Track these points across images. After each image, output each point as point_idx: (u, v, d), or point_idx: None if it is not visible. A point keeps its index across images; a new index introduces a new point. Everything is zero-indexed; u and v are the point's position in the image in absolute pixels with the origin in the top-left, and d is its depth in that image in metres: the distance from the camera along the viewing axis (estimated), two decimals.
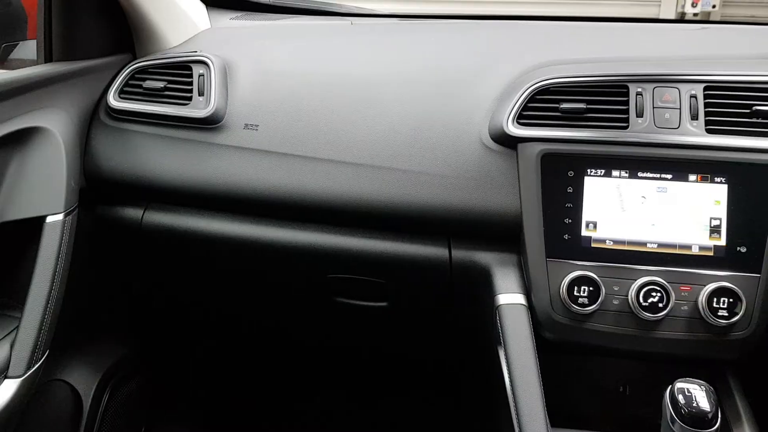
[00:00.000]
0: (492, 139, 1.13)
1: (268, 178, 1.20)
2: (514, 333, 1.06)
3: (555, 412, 1.01)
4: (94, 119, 1.32)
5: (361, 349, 1.65)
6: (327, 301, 1.33)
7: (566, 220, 1.07)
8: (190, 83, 1.28)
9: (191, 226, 1.28)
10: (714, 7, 5.61)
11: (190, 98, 1.27)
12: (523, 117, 1.11)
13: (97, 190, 1.31)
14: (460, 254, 1.16)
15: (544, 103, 1.12)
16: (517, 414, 0.99)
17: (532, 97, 1.12)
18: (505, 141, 1.12)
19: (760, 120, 1.06)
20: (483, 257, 1.15)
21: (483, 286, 1.14)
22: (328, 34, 1.46)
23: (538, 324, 1.08)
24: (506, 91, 1.16)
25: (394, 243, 1.19)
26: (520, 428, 0.97)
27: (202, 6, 1.53)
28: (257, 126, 1.23)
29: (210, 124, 1.24)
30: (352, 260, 1.22)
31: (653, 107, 1.09)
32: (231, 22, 1.55)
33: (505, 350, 1.05)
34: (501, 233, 1.12)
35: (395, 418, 1.77)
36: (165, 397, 1.74)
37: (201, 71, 1.28)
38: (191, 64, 1.29)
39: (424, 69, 1.25)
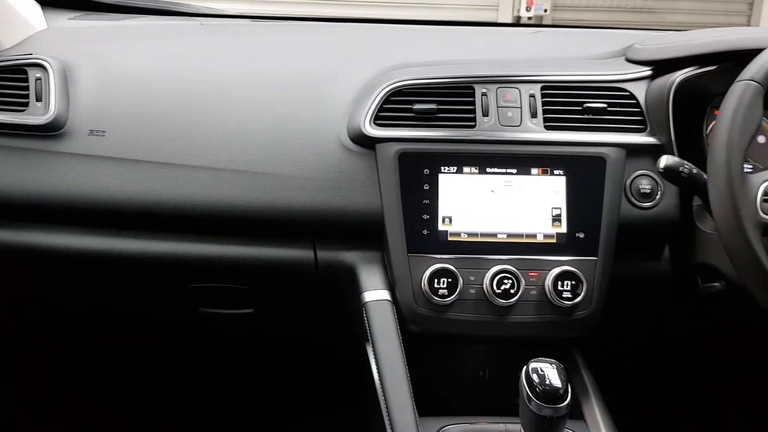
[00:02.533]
0: (351, 140, 1.15)
1: (119, 187, 1.14)
2: (381, 328, 1.09)
3: (422, 401, 1.05)
4: None
5: (237, 357, 1.61)
6: (192, 312, 1.29)
7: (424, 216, 1.12)
8: (26, 88, 1.18)
9: (33, 241, 1.18)
10: (546, 11, 6.04)
11: (26, 104, 1.18)
12: (379, 118, 1.14)
13: None
14: (325, 255, 1.17)
15: (398, 104, 1.15)
16: (387, 407, 1.01)
17: (387, 99, 1.15)
18: (364, 142, 1.14)
19: (590, 116, 1.16)
20: (348, 257, 1.17)
21: (350, 285, 1.16)
22: (176, 35, 1.41)
23: (403, 318, 1.11)
24: (362, 92, 1.18)
25: (258, 248, 1.17)
26: (389, 420, 1.00)
27: (36, 5, 1.42)
28: (104, 132, 1.17)
29: (50, 131, 1.16)
30: (214, 268, 1.19)
31: (497, 107, 1.16)
32: (69, 22, 1.45)
33: (373, 346, 1.07)
34: (364, 232, 1.14)
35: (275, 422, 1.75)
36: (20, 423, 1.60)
37: (38, 75, 1.19)
38: (26, 68, 1.20)
39: (279, 71, 1.24)
